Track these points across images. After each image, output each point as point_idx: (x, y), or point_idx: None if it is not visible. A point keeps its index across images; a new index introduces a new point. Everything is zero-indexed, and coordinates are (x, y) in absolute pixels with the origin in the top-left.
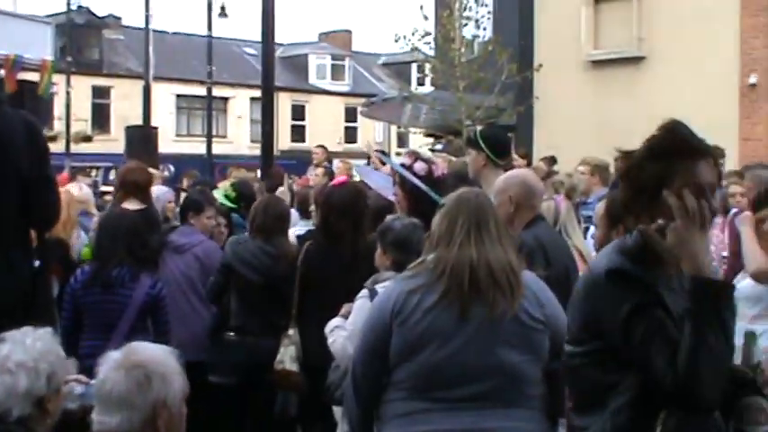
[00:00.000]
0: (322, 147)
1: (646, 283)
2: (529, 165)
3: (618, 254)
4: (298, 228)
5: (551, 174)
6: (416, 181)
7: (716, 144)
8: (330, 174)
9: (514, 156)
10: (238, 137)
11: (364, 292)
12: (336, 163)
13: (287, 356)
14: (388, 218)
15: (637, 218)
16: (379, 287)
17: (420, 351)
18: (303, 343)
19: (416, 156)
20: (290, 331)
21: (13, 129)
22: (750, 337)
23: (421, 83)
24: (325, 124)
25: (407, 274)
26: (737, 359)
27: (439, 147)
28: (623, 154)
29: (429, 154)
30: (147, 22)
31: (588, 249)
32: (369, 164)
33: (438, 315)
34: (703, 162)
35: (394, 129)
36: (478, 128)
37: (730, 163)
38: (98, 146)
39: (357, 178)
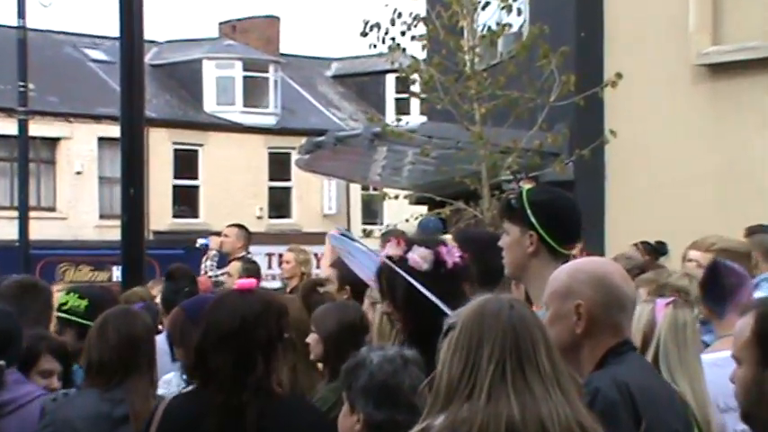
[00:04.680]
0: (237, 227)
1: None
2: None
3: None
4: None
5: (651, 266)
6: (417, 283)
7: None
8: (253, 274)
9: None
10: (77, 208)
11: None
12: (285, 254)
13: None
14: (362, 350)
15: None
16: None
17: None
18: None
19: (408, 241)
20: None
21: None
22: None
23: (403, 110)
24: (233, 183)
25: None
26: None
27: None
28: None
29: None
30: None
31: (705, 401)
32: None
33: None
34: None
35: (356, 190)
36: (526, 188)
37: None
38: None
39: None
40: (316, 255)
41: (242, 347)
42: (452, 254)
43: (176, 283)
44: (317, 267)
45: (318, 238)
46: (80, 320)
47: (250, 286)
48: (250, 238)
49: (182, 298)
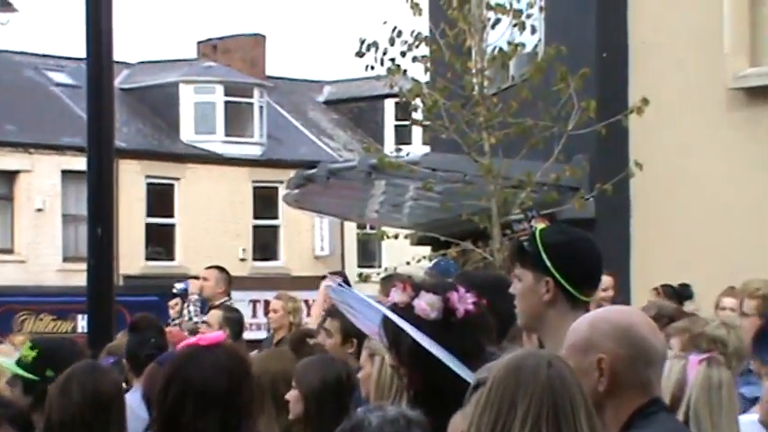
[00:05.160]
0: (217, 269)
1: None
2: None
3: None
4: None
5: (681, 315)
6: (422, 337)
7: None
8: (235, 323)
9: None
10: (38, 250)
11: None
12: (272, 302)
13: None
14: (358, 410)
15: None
16: None
17: None
18: None
19: (415, 286)
20: None
21: None
22: None
23: (404, 139)
24: (213, 222)
25: None
26: None
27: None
28: None
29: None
30: None
31: None
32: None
33: None
34: None
35: (351, 230)
36: (539, 227)
37: None
38: None
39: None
40: (306, 302)
41: (225, 412)
42: (465, 300)
43: (141, 335)
44: (308, 316)
45: (309, 282)
46: (30, 376)
47: (218, 340)
48: (231, 282)
49: (148, 350)
